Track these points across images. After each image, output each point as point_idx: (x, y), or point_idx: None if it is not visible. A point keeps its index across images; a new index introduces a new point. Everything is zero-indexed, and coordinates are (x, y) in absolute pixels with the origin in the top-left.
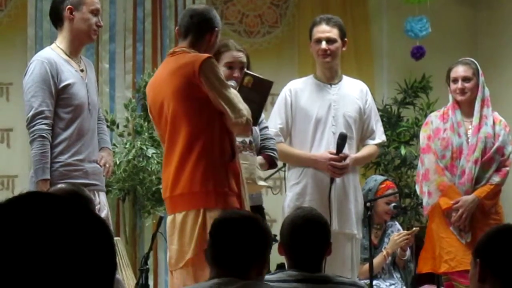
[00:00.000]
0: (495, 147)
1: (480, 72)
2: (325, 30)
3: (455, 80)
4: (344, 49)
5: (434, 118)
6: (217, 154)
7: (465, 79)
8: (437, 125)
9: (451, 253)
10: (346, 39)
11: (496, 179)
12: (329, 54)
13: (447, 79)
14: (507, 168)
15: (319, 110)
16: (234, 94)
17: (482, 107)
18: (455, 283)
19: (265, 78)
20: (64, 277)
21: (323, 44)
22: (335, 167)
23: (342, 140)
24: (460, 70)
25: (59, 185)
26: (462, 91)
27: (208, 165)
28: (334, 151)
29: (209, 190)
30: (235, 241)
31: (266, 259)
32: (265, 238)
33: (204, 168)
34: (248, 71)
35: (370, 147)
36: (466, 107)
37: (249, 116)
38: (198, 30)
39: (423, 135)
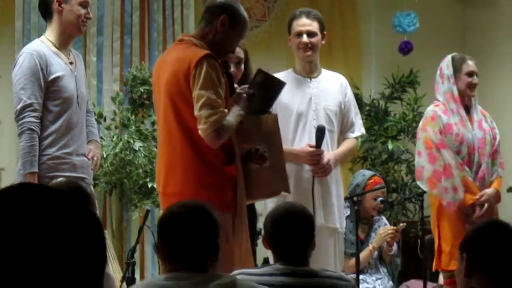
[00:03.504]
0: (497, 140)
1: None
2: (305, 24)
3: (471, 74)
4: (323, 42)
5: (440, 113)
6: (211, 156)
7: (477, 74)
8: (447, 120)
9: None
10: (325, 32)
11: (501, 171)
12: (310, 47)
13: (455, 70)
14: (503, 160)
15: (300, 104)
16: (213, 99)
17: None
18: None
19: (277, 78)
20: (52, 269)
21: (304, 37)
22: (318, 167)
23: (320, 132)
24: (474, 65)
25: (61, 179)
26: (475, 86)
27: (202, 167)
28: (314, 144)
29: (202, 195)
30: (186, 236)
31: (219, 245)
32: (213, 225)
33: (197, 170)
34: (262, 69)
35: (350, 141)
36: (464, 102)
37: (218, 127)
38: (208, 15)
39: (433, 130)
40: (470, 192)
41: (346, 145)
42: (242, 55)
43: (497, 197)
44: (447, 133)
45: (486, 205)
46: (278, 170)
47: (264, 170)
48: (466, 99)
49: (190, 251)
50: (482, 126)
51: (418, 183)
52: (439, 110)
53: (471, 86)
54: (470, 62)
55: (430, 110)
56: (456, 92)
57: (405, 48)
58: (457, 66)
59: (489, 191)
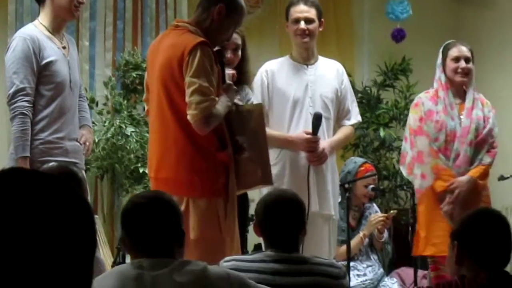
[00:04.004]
0: (487, 129)
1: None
2: (303, 10)
3: (457, 59)
4: (320, 29)
5: (425, 100)
6: (204, 142)
7: (467, 59)
8: (429, 107)
9: (441, 236)
10: (322, 19)
11: (487, 159)
12: (307, 34)
13: (443, 58)
14: (496, 149)
15: (296, 91)
16: (205, 87)
17: (473, 90)
18: (441, 266)
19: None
20: (42, 254)
21: (302, 24)
22: (314, 156)
23: (317, 120)
24: (463, 50)
25: (52, 163)
26: (465, 71)
27: (195, 153)
28: (310, 131)
29: (195, 181)
30: (149, 225)
31: (182, 230)
32: (175, 213)
33: (191, 155)
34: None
35: (346, 129)
36: (458, 88)
37: (207, 114)
38: (206, 2)
39: (414, 116)
40: (443, 179)
41: (342, 132)
42: (239, 41)
43: (471, 184)
44: (428, 119)
45: (456, 191)
46: (257, 162)
47: (242, 161)
48: (457, 86)
49: (155, 239)
50: (470, 115)
51: (401, 167)
52: (424, 97)
53: (457, 72)
54: (459, 47)
55: (417, 97)
56: (443, 80)
57: (398, 36)
58: (444, 53)
59: (460, 178)
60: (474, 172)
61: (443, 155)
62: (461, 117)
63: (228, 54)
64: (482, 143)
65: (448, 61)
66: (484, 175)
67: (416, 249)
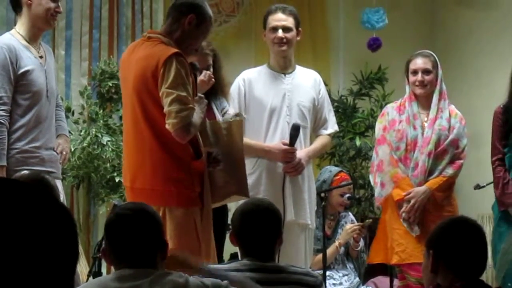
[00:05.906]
0: (449, 139)
1: (439, 65)
2: (281, 19)
3: (415, 72)
4: (298, 38)
5: (390, 109)
6: (180, 151)
7: (425, 71)
8: (393, 117)
9: (402, 245)
10: (300, 28)
11: (449, 171)
12: (285, 42)
13: (405, 71)
14: (461, 161)
15: (274, 99)
16: (184, 96)
17: (439, 100)
18: (406, 275)
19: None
20: (25, 263)
21: (280, 32)
22: (290, 166)
23: (295, 131)
24: (420, 62)
25: (24, 172)
26: (422, 84)
27: (171, 162)
28: (288, 141)
29: (171, 190)
30: (133, 236)
31: (166, 242)
32: (158, 224)
33: (166, 165)
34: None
35: (323, 138)
36: (424, 100)
37: (187, 123)
38: (176, 13)
39: (378, 126)
40: (401, 188)
41: (319, 142)
42: (210, 61)
43: (427, 195)
44: (390, 129)
45: (412, 201)
46: (232, 174)
47: (217, 173)
48: (422, 97)
49: (139, 250)
50: (433, 125)
51: (370, 176)
52: (390, 107)
53: (416, 84)
54: (416, 60)
55: (385, 106)
56: (408, 91)
57: (374, 45)
58: (406, 66)
59: (417, 188)
60: (432, 183)
61: (402, 164)
62: (424, 127)
63: (200, 76)
64: (442, 153)
65: (409, 74)
66: (445, 186)
67: (373, 257)
